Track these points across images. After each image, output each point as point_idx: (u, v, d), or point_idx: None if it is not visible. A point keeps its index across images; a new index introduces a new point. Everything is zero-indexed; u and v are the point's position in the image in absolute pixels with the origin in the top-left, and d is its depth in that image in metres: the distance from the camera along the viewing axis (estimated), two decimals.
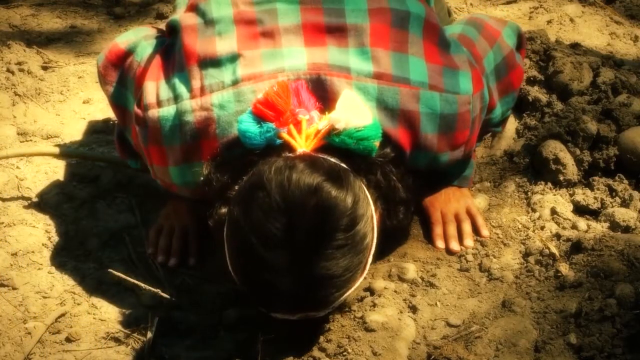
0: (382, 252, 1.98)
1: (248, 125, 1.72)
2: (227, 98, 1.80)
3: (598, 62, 2.49)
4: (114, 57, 2.07)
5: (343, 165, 1.70)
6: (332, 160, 1.69)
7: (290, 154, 1.70)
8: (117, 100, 2.09)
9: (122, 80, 2.06)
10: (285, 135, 1.72)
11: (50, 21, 3.40)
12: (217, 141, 1.81)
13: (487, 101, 2.04)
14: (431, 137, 1.87)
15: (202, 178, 1.81)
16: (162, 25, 2.20)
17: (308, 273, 1.60)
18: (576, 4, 3.24)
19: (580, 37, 2.98)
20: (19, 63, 2.90)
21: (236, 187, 1.72)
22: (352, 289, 1.71)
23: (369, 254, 1.72)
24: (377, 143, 1.75)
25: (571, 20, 3.11)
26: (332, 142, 1.72)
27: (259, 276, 1.63)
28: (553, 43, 2.64)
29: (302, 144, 1.71)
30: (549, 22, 3.11)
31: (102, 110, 2.75)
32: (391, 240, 2.02)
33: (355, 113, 1.71)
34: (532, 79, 2.48)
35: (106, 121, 2.71)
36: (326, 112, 1.75)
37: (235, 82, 1.80)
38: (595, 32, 3.06)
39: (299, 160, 1.64)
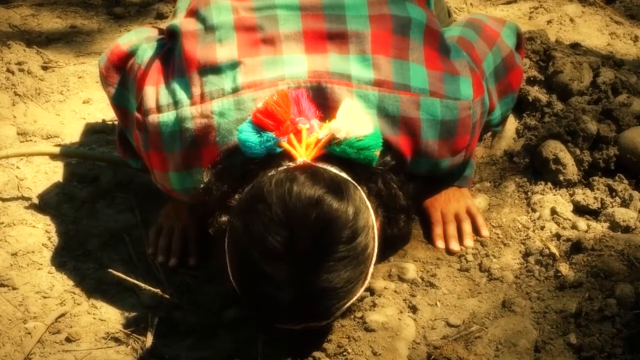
0: (382, 253, 1.98)
1: (248, 135, 1.72)
2: (227, 106, 1.80)
3: (598, 62, 2.48)
4: (116, 58, 2.07)
5: (344, 175, 1.70)
6: (333, 170, 1.69)
7: (291, 164, 1.69)
8: (119, 102, 2.09)
9: (124, 82, 2.06)
10: (285, 145, 1.72)
11: (50, 21, 3.40)
12: (217, 149, 1.81)
13: (488, 106, 2.04)
14: (432, 143, 1.87)
15: (202, 185, 1.81)
16: (163, 25, 2.20)
17: (309, 286, 1.60)
18: (576, 4, 3.24)
19: (580, 37, 2.98)
20: (19, 63, 2.90)
21: (236, 196, 1.72)
22: (354, 299, 1.71)
23: (370, 264, 1.72)
24: (377, 152, 1.75)
25: (571, 20, 3.11)
26: (332, 152, 1.72)
27: (260, 288, 1.63)
28: (553, 43, 2.64)
29: (303, 153, 1.71)
30: (549, 22, 3.10)
31: (102, 110, 2.75)
32: (391, 242, 2.02)
33: (356, 122, 1.71)
34: (532, 79, 2.48)
35: (106, 121, 2.71)
36: (327, 121, 1.75)
37: (235, 90, 1.80)
38: (595, 32, 3.06)
39: (299, 172, 1.63)
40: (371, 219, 1.70)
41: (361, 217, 1.64)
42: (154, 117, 1.85)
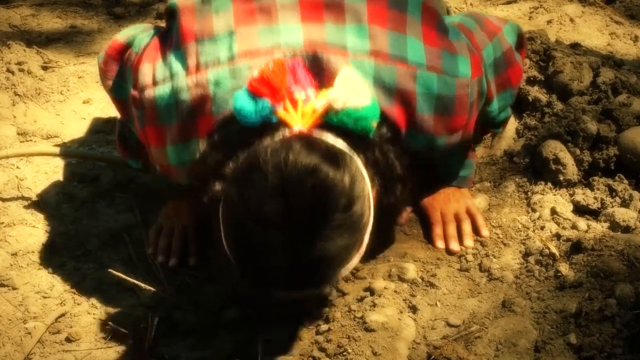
0: (382, 252, 1.99)
1: (243, 103, 1.70)
2: (222, 74, 1.78)
3: (598, 62, 2.48)
4: (114, 52, 2.07)
5: (340, 142, 1.69)
6: (329, 139, 1.68)
7: (287, 134, 1.67)
8: (118, 95, 2.09)
9: (122, 73, 2.05)
10: (281, 113, 1.70)
11: (50, 21, 3.40)
12: (213, 118, 1.78)
13: (486, 88, 2.02)
14: (427, 117, 1.85)
15: (198, 155, 1.80)
16: (163, 24, 2.20)
17: (305, 254, 1.58)
18: (576, 4, 3.24)
19: (580, 37, 2.98)
20: (19, 63, 2.90)
21: (231, 165, 1.70)
22: (350, 266, 1.71)
23: (365, 232, 1.71)
24: (374, 123, 1.73)
25: (571, 20, 3.11)
26: (329, 121, 1.70)
27: (255, 257, 1.62)
28: (553, 43, 2.64)
29: (299, 122, 1.69)
30: (549, 22, 3.10)
31: (102, 110, 2.75)
32: (391, 241, 2.02)
33: (354, 92, 1.70)
34: (532, 79, 2.48)
35: (106, 121, 2.71)
36: (322, 89, 1.73)
37: (231, 59, 1.79)
38: (595, 32, 3.06)
39: (295, 141, 1.62)
40: (367, 188, 1.69)
41: (357, 186, 1.63)
42: (150, 92, 1.84)
